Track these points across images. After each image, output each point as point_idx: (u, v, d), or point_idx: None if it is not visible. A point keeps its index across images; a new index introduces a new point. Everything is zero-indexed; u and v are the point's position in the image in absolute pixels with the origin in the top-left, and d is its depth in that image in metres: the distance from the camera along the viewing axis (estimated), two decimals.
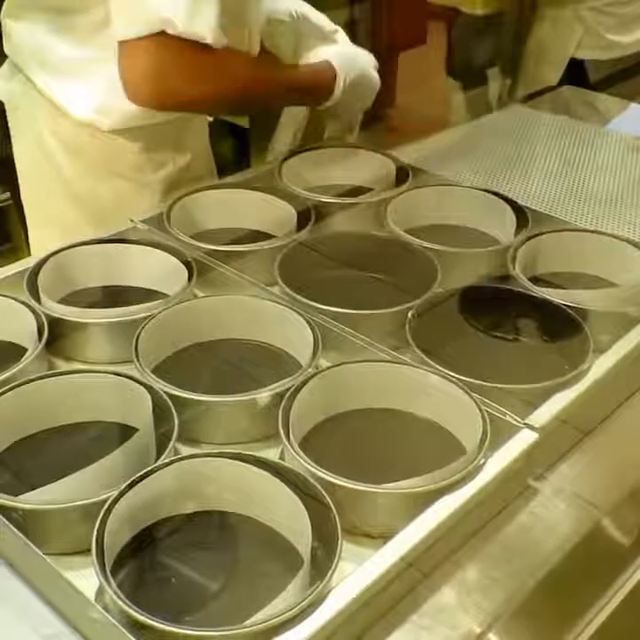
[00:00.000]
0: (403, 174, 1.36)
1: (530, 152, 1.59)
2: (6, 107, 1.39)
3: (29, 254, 1.47)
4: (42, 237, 1.47)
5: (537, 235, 1.20)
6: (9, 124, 1.39)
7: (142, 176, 1.34)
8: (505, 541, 0.84)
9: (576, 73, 2.15)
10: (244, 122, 2.39)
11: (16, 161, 1.41)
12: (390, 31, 2.92)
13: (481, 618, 0.76)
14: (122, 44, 1.11)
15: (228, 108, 1.29)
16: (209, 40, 1.11)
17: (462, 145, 1.60)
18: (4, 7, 1.31)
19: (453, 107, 2.60)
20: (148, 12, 1.08)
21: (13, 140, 1.39)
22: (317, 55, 1.35)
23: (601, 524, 0.88)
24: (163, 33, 1.09)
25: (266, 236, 1.25)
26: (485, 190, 1.31)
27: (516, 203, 1.27)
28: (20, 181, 1.43)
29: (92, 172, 1.34)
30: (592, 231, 1.26)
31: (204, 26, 1.10)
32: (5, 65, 1.36)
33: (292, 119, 1.48)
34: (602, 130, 1.69)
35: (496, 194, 1.30)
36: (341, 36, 1.43)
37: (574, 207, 1.40)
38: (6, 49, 1.33)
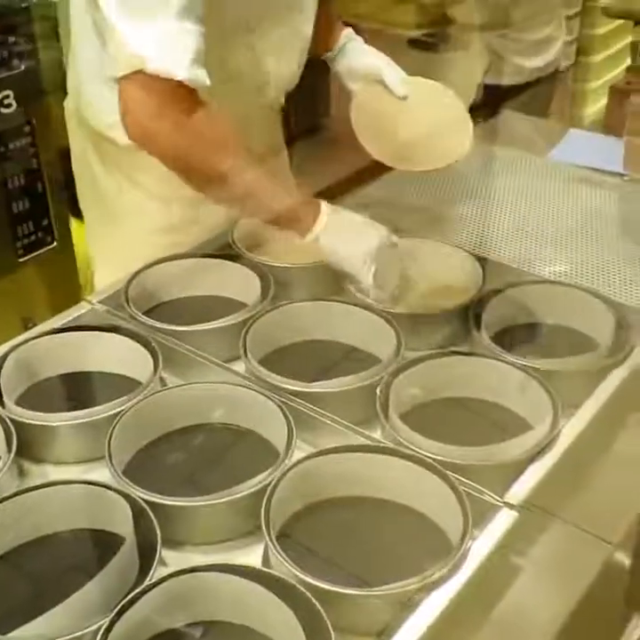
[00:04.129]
0: None
1: (486, 189, 1.61)
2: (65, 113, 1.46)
3: None
4: (96, 252, 1.53)
5: (501, 290, 1.21)
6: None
7: (164, 191, 1.35)
8: (497, 621, 0.85)
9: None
10: None
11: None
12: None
13: None
14: (115, 82, 1.12)
15: (191, 162, 1.17)
16: (182, 76, 1.09)
17: (414, 190, 1.60)
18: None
19: None
20: (126, 51, 1.09)
21: (70, 144, 1.48)
22: None
23: (591, 591, 0.89)
24: (141, 71, 1.09)
25: (228, 303, 1.26)
26: (448, 243, 1.34)
27: (477, 255, 1.29)
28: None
29: (117, 182, 1.38)
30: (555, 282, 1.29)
31: (177, 62, 1.09)
32: None
33: None
34: (544, 161, 1.72)
35: (461, 248, 1.33)
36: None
37: (531, 248, 1.42)
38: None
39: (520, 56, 2.22)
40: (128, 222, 1.42)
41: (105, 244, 1.48)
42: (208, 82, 1.12)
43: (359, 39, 1.46)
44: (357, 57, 1.44)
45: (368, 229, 1.21)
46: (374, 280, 1.19)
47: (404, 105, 1.42)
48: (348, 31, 1.46)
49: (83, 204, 1.51)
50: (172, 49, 1.09)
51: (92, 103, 1.34)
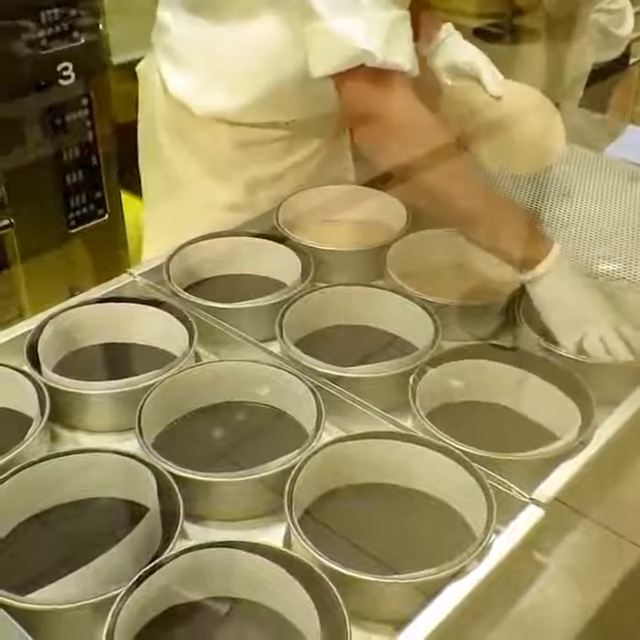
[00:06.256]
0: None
1: (537, 184, 1.57)
2: (139, 80, 1.46)
3: None
4: (151, 219, 1.53)
5: None
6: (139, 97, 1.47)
7: (226, 171, 1.36)
8: (516, 619, 0.84)
9: None
10: None
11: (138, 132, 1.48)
12: None
13: None
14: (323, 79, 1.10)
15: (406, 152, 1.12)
16: (407, 67, 1.08)
17: None
18: None
19: None
20: (344, 47, 1.06)
21: (139, 112, 1.46)
22: None
23: (617, 594, 0.88)
24: (362, 66, 1.07)
25: (268, 282, 1.26)
26: None
27: None
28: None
29: (181, 153, 1.38)
30: None
31: (401, 54, 1.07)
32: None
33: None
34: (600, 156, 1.68)
35: None
36: None
37: (582, 245, 1.39)
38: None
39: (615, 27, 2.17)
40: (188, 194, 1.41)
41: (161, 213, 1.48)
42: (417, 71, 1.10)
43: (458, 34, 1.40)
44: (458, 52, 1.38)
45: (589, 304, 1.12)
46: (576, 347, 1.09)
47: (496, 105, 1.36)
48: (448, 25, 1.41)
49: (143, 170, 1.50)
50: (393, 39, 1.07)
51: (177, 71, 1.33)
